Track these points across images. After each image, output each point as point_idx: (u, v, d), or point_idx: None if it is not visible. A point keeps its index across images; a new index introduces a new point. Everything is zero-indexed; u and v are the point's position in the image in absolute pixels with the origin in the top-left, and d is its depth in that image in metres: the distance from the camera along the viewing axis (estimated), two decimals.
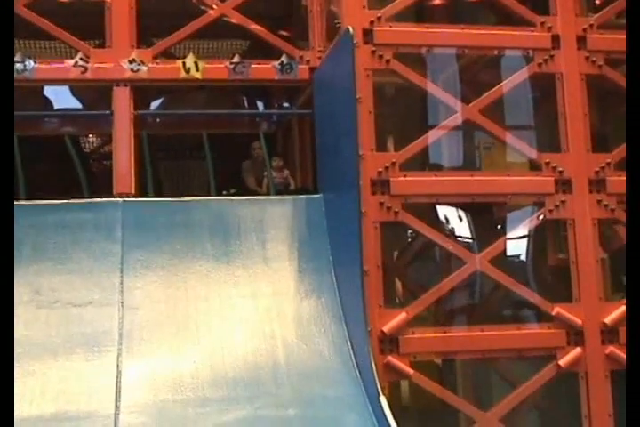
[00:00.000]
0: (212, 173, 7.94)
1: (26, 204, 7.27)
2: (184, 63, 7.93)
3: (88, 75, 7.81)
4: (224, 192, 8.21)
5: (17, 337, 6.29)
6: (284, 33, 9.07)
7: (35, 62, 7.79)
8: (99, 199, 7.40)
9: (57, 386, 6.05)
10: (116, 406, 5.95)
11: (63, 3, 8.58)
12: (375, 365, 6.38)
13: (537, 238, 8.13)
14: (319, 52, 8.12)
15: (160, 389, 6.17)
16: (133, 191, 7.55)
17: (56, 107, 9.38)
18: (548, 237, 7.95)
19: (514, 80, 7.46)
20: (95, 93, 8.97)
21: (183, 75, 7.92)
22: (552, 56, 7.37)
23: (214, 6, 8.21)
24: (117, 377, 6.17)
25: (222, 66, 8.01)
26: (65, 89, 9.41)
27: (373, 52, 7.14)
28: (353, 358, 6.57)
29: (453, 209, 8.68)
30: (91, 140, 10.40)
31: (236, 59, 8.03)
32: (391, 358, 6.64)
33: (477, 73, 8.34)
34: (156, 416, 5.95)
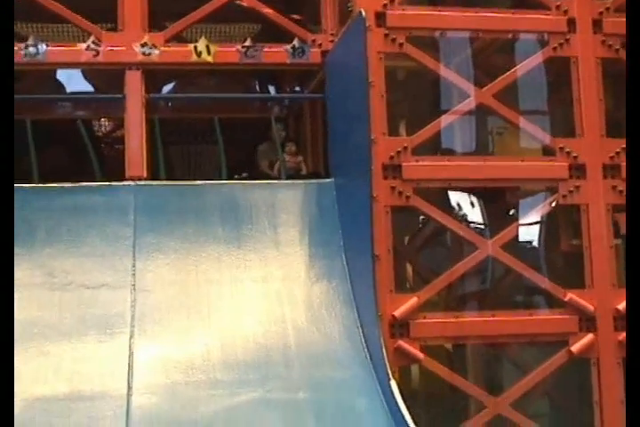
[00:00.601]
0: (224, 157, 7.93)
1: (39, 187, 7.30)
2: (196, 47, 7.91)
3: (100, 58, 7.81)
4: (235, 176, 8.21)
5: (31, 318, 6.36)
6: (296, 16, 9.01)
7: (47, 46, 7.78)
8: (111, 183, 7.42)
9: (71, 367, 6.10)
10: (129, 387, 6.00)
11: None
12: (385, 349, 6.39)
13: (550, 224, 8.10)
14: (331, 35, 8.09)
15: (172, 371, 6.21)
16: (145, 175, 7.57)
17: (68, 91, 9.41)
18: (560, 222, 7.91)
19: (528, 64, 7.39)
20: (106, 77, 8.98)
21: (195, 58, 7.91)
22: (567, 40, 7.29)
23: None
24: (130, 359, 6.22)
25: (234, 50, 8.00)
26: (77, 73, 9.43)
27: (386, 35, 7.08)
28: (363, 343, 6.58)
29: (465, 195, 8.64)
30: (103, 124, 10.42)
31: (247, 42, 8.01)
32: (402, 343, 6.63)
33: (490, 57, 8.27)
34: (167, 397, 6.00)
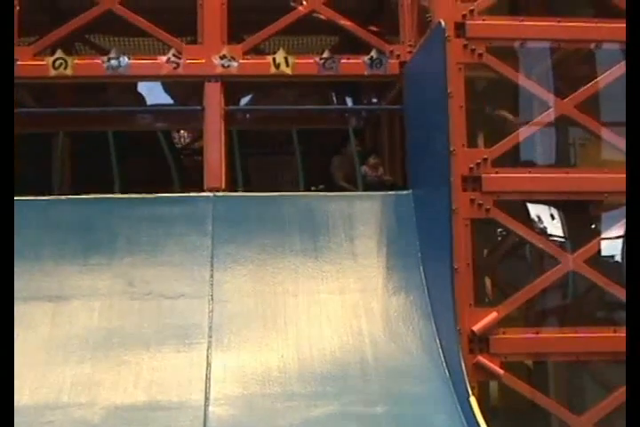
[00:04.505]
0: (301, 169, 7.95)
1: (120, 197, 7.44)
2: (274, 59, 7.95)
3: (180, 71, 7.91)
4: (312, 188, 8.21)
5: (111, 327, 6.47)
6: (373, 28, 9.00)
7: (129, 59, 7.92)
8: (190, 193, 7.50)
9: (149, 376, 6.16)
10: (206, 398, 6.02)
11: (156, 0, 8.72)
12: (465, 364, 6.27)
13: None
14: (409, 46, 8.04)
15: (248, 382, 6.21)
16: (223, 186, 7.63)
17: (148, 103, 9.60)
18: None
19: (612, 74, 7.19)
20: (184, 89, 9.12)
21: (273, 70, 7.95)
22: None
23: (304, 2, 8.22)
24: (207, 369, 6.24)
25: (312, 61, 8.01)
26: (157, 85, 9.62)
27: (465, 45, 6.99)
28: (442, 357, 6.48)
29: (545, 207, 8.46)
30: (182, 135, 10.59)
31: (325, 54, 8.02)
32: (481, 358, 6.50)
33: (572, 67, 8.09)
34: (244, 409, 5.99)
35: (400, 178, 8.37)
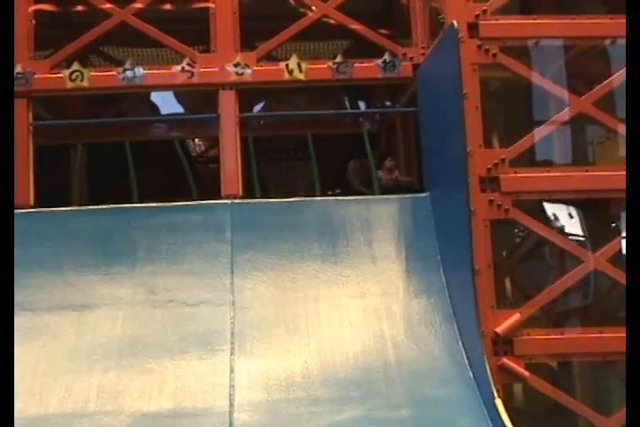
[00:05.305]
0: (317, 174, 7.96)
1: (139, 206, 7.47)
2: (287, 65, 7.97)
3: (194, 79, 7.93)
4: (329, 192, 8.21)
5: (135, 335, 6.49)
6: (384, 31, 9.00)
7: (143, 69, 7.96)
8: (208, 201, 7.52)
9: (174, 383, 6.16)
10: (231, 404, 6.01)
11: (168, 10, 8.77)
12: (489, 366, 6.24)
13: None
14: (422, 48, 8.03)
15: (272, 388, 6.20)
16: (241, 193, 7.65)
17: (162, 112, 9.65)
18: None
19: None
20: (198, 98, 9.16)
21: (287, 76, 7.97)
22: None
23: (313, 7, 8.25)
24: (231, 376, 6.24)
25: (325, 66, 8.01)
26: (169, 94, 9.67)
27: (479, 46, 6.97)
28: (465, 360, 6.44)
29: (563, 206, 8.42)
30: (196, 143, 10.63)
31: (338, 58, 8.02)
32: (506, 360, 6.45)
33: (587, 64, 8.06)
34: (269, 415, 5.98)
35: (416, 181, 8.36)
